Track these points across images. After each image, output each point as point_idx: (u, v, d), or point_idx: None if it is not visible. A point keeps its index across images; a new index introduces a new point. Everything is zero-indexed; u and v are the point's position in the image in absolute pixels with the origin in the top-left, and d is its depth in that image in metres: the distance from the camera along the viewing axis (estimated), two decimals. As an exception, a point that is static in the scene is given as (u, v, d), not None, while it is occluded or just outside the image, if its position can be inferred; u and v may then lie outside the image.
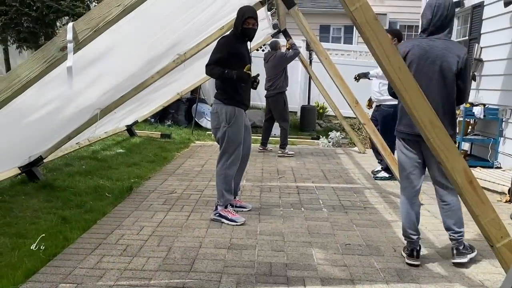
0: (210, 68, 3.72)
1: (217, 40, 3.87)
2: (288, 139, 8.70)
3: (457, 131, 6.50)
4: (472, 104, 6.36)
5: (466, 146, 7.03)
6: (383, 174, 5.71)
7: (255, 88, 3.89)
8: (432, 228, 3.83)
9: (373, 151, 5.99)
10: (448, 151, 2.25)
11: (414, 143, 3.03)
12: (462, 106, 6.32)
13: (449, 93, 2.95)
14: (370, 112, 5.93)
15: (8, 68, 11.98)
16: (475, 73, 6.81)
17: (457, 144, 6.43)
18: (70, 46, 2.19)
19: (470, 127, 6.72)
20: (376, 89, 5.67)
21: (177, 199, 4.49)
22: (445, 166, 2.28)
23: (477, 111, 6.21)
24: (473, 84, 6.86)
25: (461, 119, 6.37)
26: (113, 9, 2.21)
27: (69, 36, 2.19)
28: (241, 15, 3.71)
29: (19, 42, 10.11)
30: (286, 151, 7.23)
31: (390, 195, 4.93)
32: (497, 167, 6.13)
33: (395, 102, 5.55)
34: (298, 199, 4.64)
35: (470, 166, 5.63)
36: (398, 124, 3.11)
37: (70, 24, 2.21)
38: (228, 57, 3.67)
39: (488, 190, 5.04)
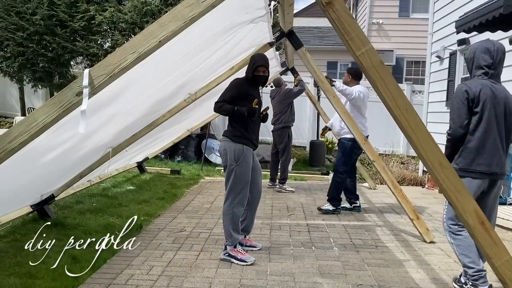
0: (220, 105, 3.78)
1: (229, 81, 3.97)
2: (298, 175, 8.73)
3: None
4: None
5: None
6: (328, 207, 5.80)
7: (265, 121, 3.96)
8: (446, 268, 3.76)
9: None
10: (458, 192, 2.25)
11: (488, 181, 3.07)
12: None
13: (510, 133, 3.09)
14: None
15: (22, 106, 12.30)
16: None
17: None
18: (86, 91, 2.27)
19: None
20: (338, 125, 6.02)
21: (186, 237, 4.47)
22: (456, 207, 2.27)
23: (487, 146, 6.18)
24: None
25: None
26: (128, 56, 2.30)
27: (85, 81, 2.27)
28: (252, 63, 3.81)
29: (34, 81, 10.41)
30: (284, 186, 7.24)
31: (402, 233, 4.87)
32: (511, 204, 6.03)
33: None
34: (308, 237, 4.60)
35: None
36: (470, 163, 3.06)
37: (87, 71, 2.29)
38: (239, 97, 3.74)
39: (502, 227, 4.96)
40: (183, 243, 4.29)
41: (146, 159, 8.41)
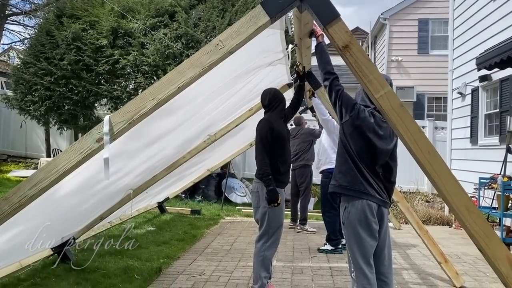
0: (264, 163, 3.70)
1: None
2: (320, 214, 8.55)
3: (497, 206, 6.24)
4: (510, 178, 6.14)
5: (508, 221, 6.68)
6: (326, 247, 5.74)
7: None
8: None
9: None
10: (488, 238, 2.14)
11: None
12: (499, 180, 6.11)
13: None
14: None
15: (48, 147, 12.60)
16: (510, 146, 6.65)
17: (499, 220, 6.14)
18: (107, 138, 2.29)
19: (510, 201, 6.43)
20: (316, 158, 6.29)
21: (205, 281, 4.37)
22: (486, 254, 2.15)
23: (516, 184, 5.98)
24: (510, 157, 6.67)
25: (500, 193, 6.13)
26: (147, 103, 2.33)
27: (106, 128, 2.30)
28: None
29: (60, 123, 10.70)
30: (306, 227, 7.09)
31: (430, 277, 4.66)
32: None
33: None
34: (331, 282, 4.44)
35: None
36: None
37: (107, 117, 2.33)
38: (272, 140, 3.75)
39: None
40: (202, 287, 4.19)
41: (167, 199, 8.41)
